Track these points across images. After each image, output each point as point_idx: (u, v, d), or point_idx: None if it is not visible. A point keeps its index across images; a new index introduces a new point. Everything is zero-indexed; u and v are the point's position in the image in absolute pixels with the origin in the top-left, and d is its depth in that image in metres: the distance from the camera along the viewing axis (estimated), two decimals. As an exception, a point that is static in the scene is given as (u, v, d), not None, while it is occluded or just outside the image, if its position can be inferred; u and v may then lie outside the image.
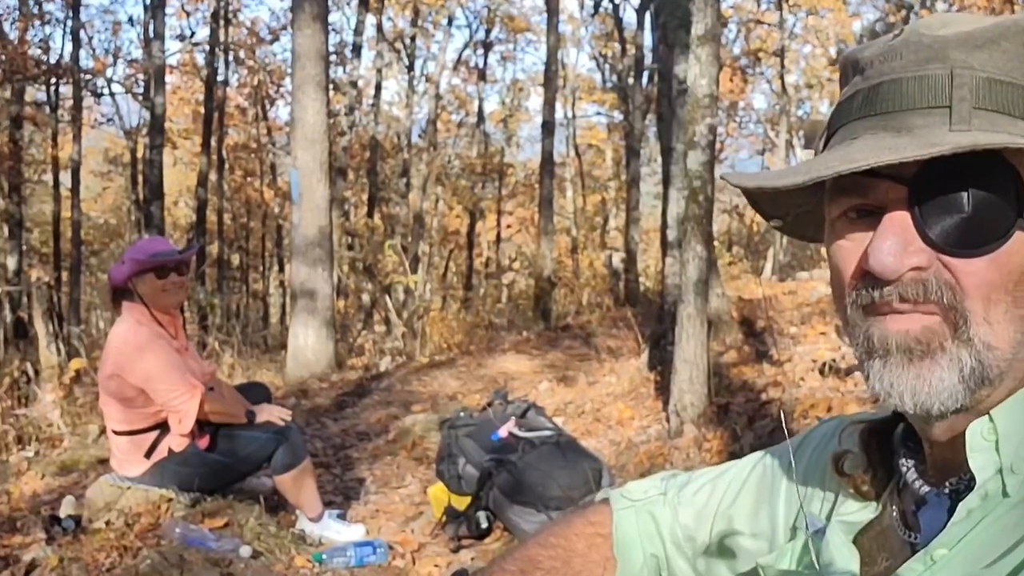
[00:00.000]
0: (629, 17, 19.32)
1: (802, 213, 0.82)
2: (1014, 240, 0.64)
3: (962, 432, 0.68)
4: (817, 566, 0.76)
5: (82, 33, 15.43)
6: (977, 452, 0.66)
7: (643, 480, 1.02)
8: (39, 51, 14.24)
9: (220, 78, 17.24)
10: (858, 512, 0.77)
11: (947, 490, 0.70)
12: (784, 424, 1.08)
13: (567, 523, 1.00)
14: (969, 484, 0.67)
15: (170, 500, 3.27)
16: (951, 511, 0.67)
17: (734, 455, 3.82)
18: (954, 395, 0.66)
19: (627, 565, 0.96)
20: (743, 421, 4.13)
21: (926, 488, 0.72)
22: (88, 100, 16.08)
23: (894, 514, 0.75)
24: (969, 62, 0.66)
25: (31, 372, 5.68)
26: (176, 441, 3.28)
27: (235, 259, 20.19)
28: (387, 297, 11.41)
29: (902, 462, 0.76)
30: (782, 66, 15.72)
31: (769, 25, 16.24)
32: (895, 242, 0.65)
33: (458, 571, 1.02)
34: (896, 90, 0.67)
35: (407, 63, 18.61)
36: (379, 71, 17.40)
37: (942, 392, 0.65)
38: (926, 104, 0.66)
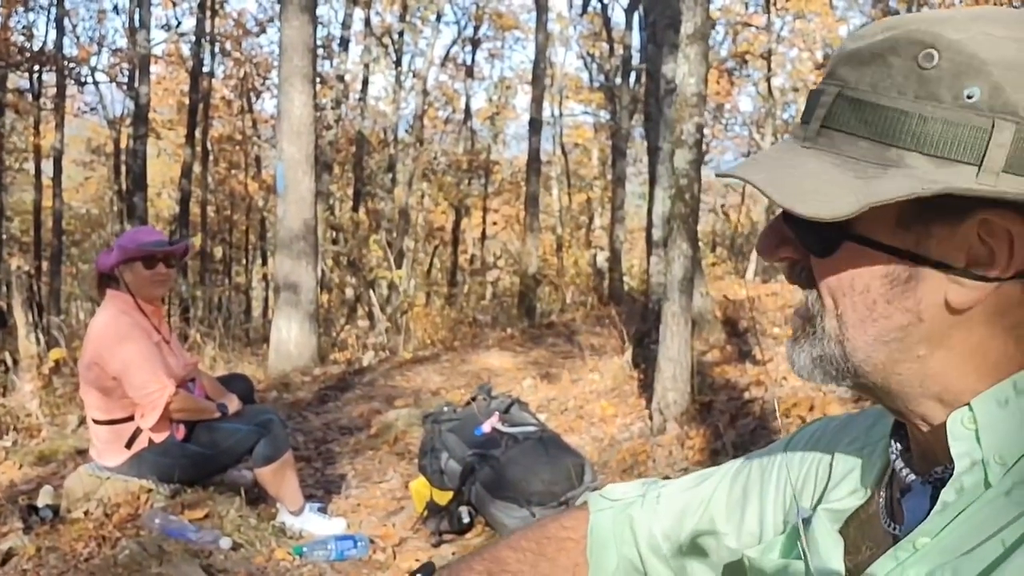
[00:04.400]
0: (617, 17, 19.34)
1: None
2: (845, 250, 0.66)
3: (942, 423, 0.68)
4: (802, 554, 0.76)
5: (66, 21, 15.30)
6: (958, 440, 0.66)
7: (625, 483, 1.03)
8: (23, 38, 14.11)
9: (205, 69, 17.12)
10: (846, 499, 0.78)
11: (932, 478, 0.71)
12: (773, 418, 1.09)
13: (541, 526, 1.00)
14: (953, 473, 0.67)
15: (150, 491, 3.25)
16: (934, 499, 0.67)
17: (716, 453, 3.84)
18: (812, 375, 0.71)
19: (599, 568, 0.96)
20: (725, 419, 4.15)
21: (912, 476, 0.72)
22: (71, 88, 15.94)
23: (881, 502, 0.75)
24: (846, 77, 0.66)
25: (9, 361, 5.63)
26: (156, 431, 3.25)
27: (218, 251, 20.07)
28: (371, 292, 11.39)
29: (891, 449, 0.76)
30: (769, 69, 15.78)
31: (756, 28, 16.30)
32: (768, 233, 0.72)
33: (425, 564, 1.02)
34: (811, 100, 0.70)
35: (394, 58, 18.57)
36: (366, 66, 17.36)
37: (802, 370, 0.72)
38: (805, 119, 0.69)
